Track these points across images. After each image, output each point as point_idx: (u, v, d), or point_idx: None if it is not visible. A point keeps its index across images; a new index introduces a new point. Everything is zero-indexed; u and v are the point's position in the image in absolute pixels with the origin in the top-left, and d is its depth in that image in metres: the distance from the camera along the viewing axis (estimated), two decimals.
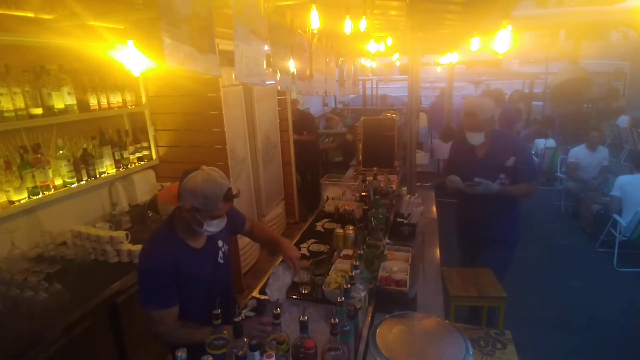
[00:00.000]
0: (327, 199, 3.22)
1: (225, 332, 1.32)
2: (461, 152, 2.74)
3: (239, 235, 2.18)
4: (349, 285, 1.53)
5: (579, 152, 5.59)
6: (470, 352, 1.25)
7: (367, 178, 3.25)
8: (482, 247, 2.78)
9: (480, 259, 2.78)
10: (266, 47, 2.12)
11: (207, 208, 1.49)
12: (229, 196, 1.52)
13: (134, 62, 2.08)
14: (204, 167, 1.54)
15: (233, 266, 1.94)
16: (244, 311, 1.77)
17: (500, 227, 2.67)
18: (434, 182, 4.14)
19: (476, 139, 2.56)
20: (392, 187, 3.25)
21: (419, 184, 3.46)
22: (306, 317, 1.26)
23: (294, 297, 1.91)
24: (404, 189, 3.22)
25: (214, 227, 1.55)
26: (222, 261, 1.73)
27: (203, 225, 1.52)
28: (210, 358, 1.15)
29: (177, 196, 1.51)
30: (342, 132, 8.27)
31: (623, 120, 9.11)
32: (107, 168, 2.91)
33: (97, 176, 2.80)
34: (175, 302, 1.54)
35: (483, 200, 2.55)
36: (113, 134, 3.02)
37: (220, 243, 1.73)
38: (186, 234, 1.59)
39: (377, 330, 1.34)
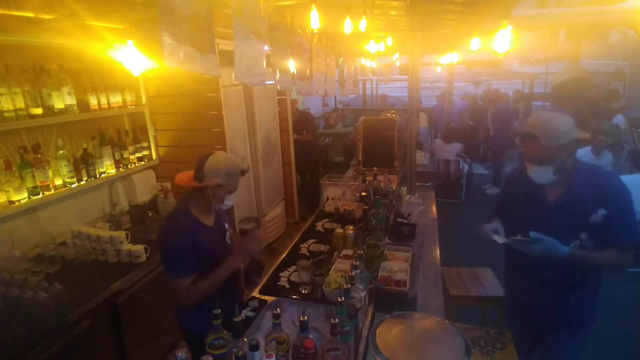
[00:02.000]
0: (327, 199, 3.22)
1: (225, 331, 1.33)
2: (522, 190, 1.79)
3: None
4: (349, 285, 1.52)
5: (583, 156, 5.54)
6: (471, 352, 1.25)
7: (367, 178, 3.25)
8: (542, 334, 1.89)
9: (540, 349, 1.93)
10: (266, 47, 2.11)
11: (229, 182, 1.72)
12: (243, 171, 1.77)
13: (134, 62, 2.08)
14: (217, 152, 1.74)
15: None
16: (244, 311, 1.77)
17: (570, 308, 1.78)
18: (434, 182, 4.15)
19: (540, 175, 1.64)
20: (392, 187, 3.25)
21: (419, 184, 3.46)
22: (306, 317, 1.26)
23: (293, 297, 1.91)
24: (404, 189, 3.21)
25: (231, 201, 1.78)
26: (229, 242, 1.92)
27: (224, 200, 1.74)
28: (210, 358, 1.15)
29: (200, 177, 1.69)
30: (342, 132, 8.29)
31: (619, 120, 9.12)
32: (107, 168, 2.91)
33: (97, 176, 2.80)
34: (195, 270, 1.70)
35: (548, 267, 1.69)
36: (113, 134, 3.02)
37: (226, 225, 1.92)
38: (199, 213, 1.77)
39: (377, 330, 1.34)
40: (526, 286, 1.82)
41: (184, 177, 1.76)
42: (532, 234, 1.59)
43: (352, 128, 7.37)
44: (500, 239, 1.69)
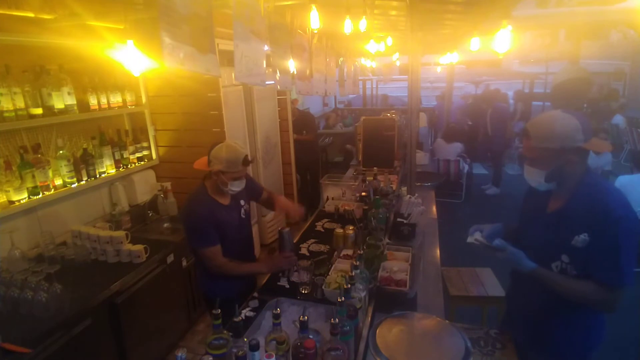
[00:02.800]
0: (327, 199, 3.22)
1: (225, 331, 1.33)
2: (532, 195, 1.67)
3: None
4: (349, 285, 1.53)
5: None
6: (470, 352, 1.25)
7: (367, 178, 3.25)
8: (540, 344, 1.66)
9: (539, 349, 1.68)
10: (266, 47, 2.11)
11: (230, 170, 1.92)
12: (245, 161, 1.95)
13: (134, 62, 2.07)
14: (228, 140, 2.00)
15: None
16: (244, 311, 1.77)
17: (562, 331, 1.58)
18: (434, 182, 4.15)
19: (531, 177, 1.53)
20: (392, 187, 3.25)
21: (419, 184, 3.46)
22: (306, 317, 1.26)
23: (294, 297, 1.91)
24: (404, 189, 3.21)
25: (236, 186, 1.98)
26: (244, 216, 2.18)
27: (228, 184, 1.94)
28: (210, 358, 1.15)
29: (208, 162, 1.95)
30: (342, 132, 8.29)
31: (618, 120, 9.12)
32: (107, 168, 2.91)
33: (97, 176, 2.80)
34: (218, 241, 1.97)
35: (537, 284, 1.51)
36: (113, 134, 3.02)
37: (242, 202, 2.17)
38: (215, 194, 2.03)
39: (377, 330, 1.34)
40: (530, 291, 1.63)
41: (201, 161, 2.05)
42: (498, 241, 1.50)
43: (352, 128, 7.36)
44: (471, 238, 1.61)
